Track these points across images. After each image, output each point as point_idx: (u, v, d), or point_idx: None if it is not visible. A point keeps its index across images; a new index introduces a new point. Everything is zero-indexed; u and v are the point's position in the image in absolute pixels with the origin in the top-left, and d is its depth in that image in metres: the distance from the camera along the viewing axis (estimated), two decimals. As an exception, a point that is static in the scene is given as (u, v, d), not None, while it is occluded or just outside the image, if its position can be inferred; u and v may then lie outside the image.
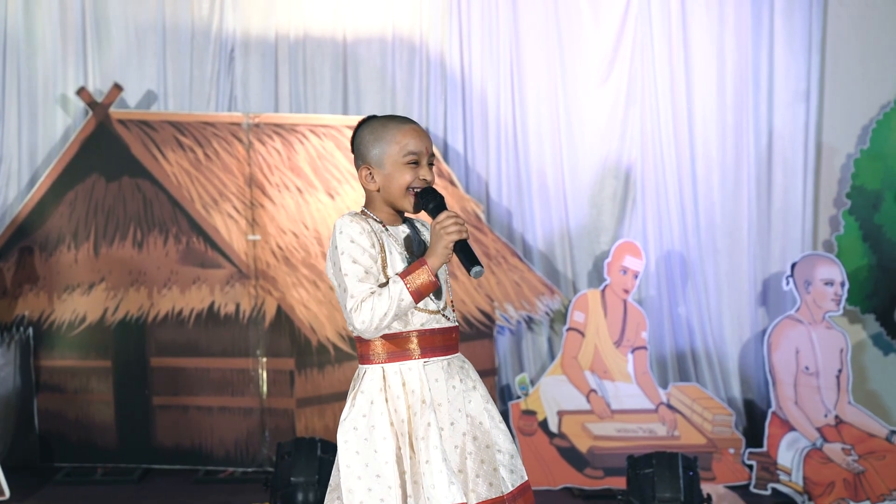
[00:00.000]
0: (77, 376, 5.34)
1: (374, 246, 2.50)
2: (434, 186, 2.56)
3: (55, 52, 5.50)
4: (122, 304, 5.27)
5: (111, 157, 5.28)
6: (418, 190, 2.53)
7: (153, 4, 5.48)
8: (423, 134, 2.58)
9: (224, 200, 5.26)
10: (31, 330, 5.30)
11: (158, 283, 5.26)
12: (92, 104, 5.30)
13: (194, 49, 5.52)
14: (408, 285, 2.43)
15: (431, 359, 2.53)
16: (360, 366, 2.57)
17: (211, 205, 5.25)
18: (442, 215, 2.45)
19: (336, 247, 2.50)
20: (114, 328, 5.28)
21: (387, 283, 2.47)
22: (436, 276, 2.45)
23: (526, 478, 2.59)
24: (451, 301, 2.63)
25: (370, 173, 2.57)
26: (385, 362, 2.52)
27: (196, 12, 5.50)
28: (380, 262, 2.50)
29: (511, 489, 2.54)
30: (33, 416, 5.33)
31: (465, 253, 2.43)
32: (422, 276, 2.43)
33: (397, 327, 2.51)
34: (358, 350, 2.58)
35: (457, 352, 2.60)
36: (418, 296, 2.44)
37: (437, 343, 2.54)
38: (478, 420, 2.55)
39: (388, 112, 5.51)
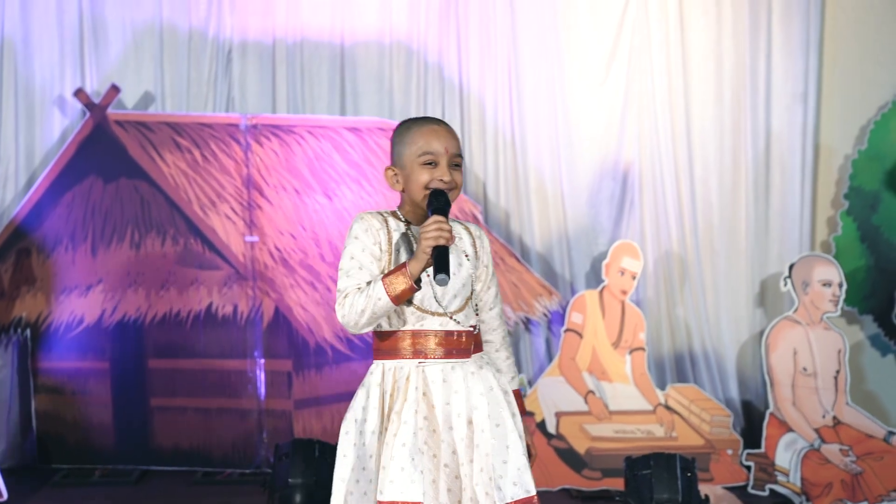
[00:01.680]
0: (75, 378, 5.33)
1: (377, 244, 2.52)
2: (445, 189, 2.54)
3: (52, 54, 5.50)
4: (120, 305, 5.27)
5: (109, 159, 5.28)
6: (432, 190, 2.54)
7: (150, 6, 5.48)
8: (445, 135, 2.56)
9: (222, 202, 5.26)
10: (28, 331, 5.30)
11: (156, 284, 5.26)
12: (89, 105, 5.30)
13: (192, 51, 5.52)
14: (386, 287, 2.43)
15: (428, 360, 2.53)
16: (373, 360, 2.62)
17: (208, 206, 5.25)
18: (429, 220, 2.44)
19: (345, 242, 2.57)
20: (111, 329, 5.28)
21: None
22: (417, 280, 2.43)
23: (531, 493, 2.51)
24: (474, 305, 2.61)
25: (395, 174, 2.60)
26: (385, 358, 2.56)
27: (193, 14, 5.50)
28: (385, 260, 2.53)
29: (508, 501, 2.48)
30: (31, 417, 5.33)
31: (437, 259, 2.41)
32: (399, 280, 2.43)
33: (396, 325, 2.54)
34: (372, 345, 2.63)
35: (467, 356, 2.57)
36: (396, 299, 2.44)
37: (436, 345, 2.53)
38: (480, 427, 2.52)
39: (386, 113, 5.52)
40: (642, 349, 5.25)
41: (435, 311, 2.54)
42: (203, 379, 5.28)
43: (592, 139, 5.60)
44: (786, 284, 5.14)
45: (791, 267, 5.13)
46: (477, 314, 2.64)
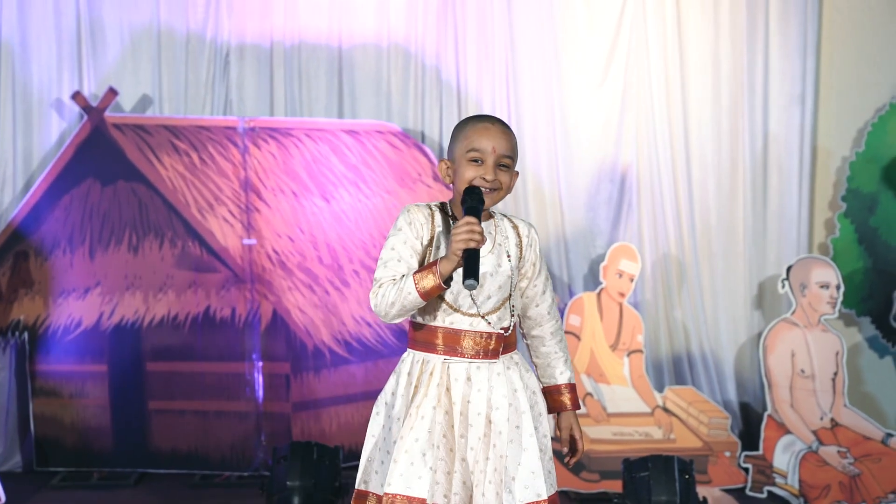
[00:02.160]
0: (73, 381, 5.32)
1: (419, 238, 2.54)
2: (489, 189, 2.53)
3: (50, 57, 5.49)
4: (118, 308, 5.27)
5: (106, 162, 5.28)
6: (467, 187, 2.53)
7: (148, 9, 5.48)
8: (496, 133, 2.56)
9: (219, 204, 5.26)
10: (26, 334, 5.29)
11: (154, 287, 5.26)
12: (87, 108, 5.30)
13: (189, 54, 5.51)
14: (416, 282, 2.44)
15: (453, 358, 2.55)
16: (407, 348, 2.66)
17: (206, 209, 5.25)
18: (461, 221, 2.42)
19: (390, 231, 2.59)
20: (109, 332, 5.27)
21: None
22: (448, 279, 2.43)
23: (542, 497, 2.54)
24: (511, 307, 2.61)
25: (447, 167, 2.61)
26: (416, 349, 2.60)
27: (191, 17, 5.50)
28: (423, 253, 2.55)
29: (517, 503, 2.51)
30: (29, 420, 5.32)
31: (466, 262, 2.40)
32: (428, 277, 2.43)
33: (427, 320, 2.57)
34: (407, 332, 2.67)
35: (495, 357, 2.57)
36: (425, 295, 2.44)
37: (464, 344, 2.55)
38: (497, 429, 2.54)
39: (384, 116, 5.52)
40: (640, 351, 5.25)
41: (467, 310, 2.56)
42: (201, 382, 5.28)
43: (590, 141, 5.61)
44: (783, 286, 5.14)
45: (789, 269, 5.14)
46: (513, 315, 2.63)
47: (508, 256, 2.61)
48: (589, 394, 5.16)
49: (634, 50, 5.57)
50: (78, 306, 5.29)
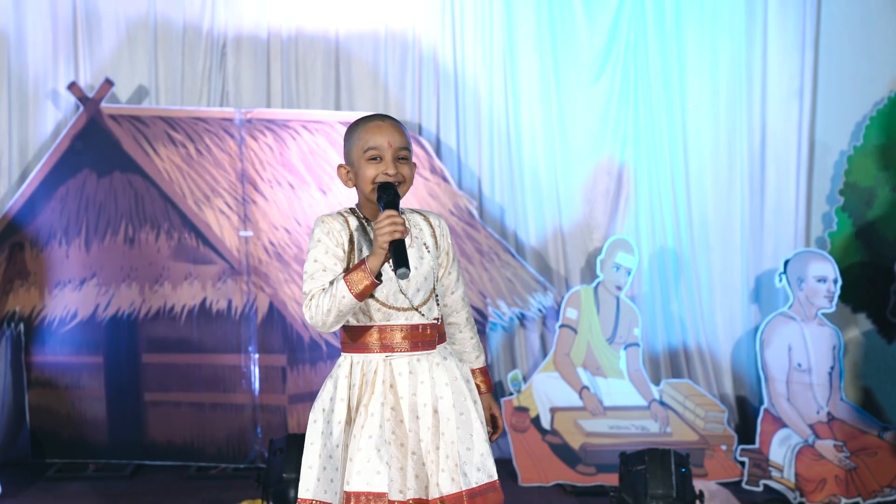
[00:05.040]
0: (68, 372, 5.32)
1: (340, 245, 2.58)
2: (393, 183, 2.57)
3: (46, 47, 5.47)
4: (114, 300, 5.26)
5: (102, 153, 5.26)
6: (378, 184, 2.58)
7: (144, 0, 5.46)
8: (388, 128, 2.61)
9: (216, 196, 5.25)
10: (22, 326, 5.28)
11: (150, 279, 5.25)
12: (83, 99, 5.28)
13: (186, 45, 5.50)
14: (348, 284, 2.47)
15: (395, 354, 2.60)
16: (341, 353, 2.69)
17: (203, 201, 5.23)
18: (381, 215, 2.48)
19: (308, 245, 2.62)
20: (105, 324, 5.26)
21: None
22: (378, 275, 2.47)
23: (494, 478, 2.62)
24: (436, 296, 2.68)
25: (347, 171, 2.66)
26: (353, 352, 2.63)
27: (188, 8, 5.48)
28: (347, 260, 2.58)
29: (473, 486, 2.58)
30: (24, 412, 5.32)
31: (395, 254, 2.45)
32: (359, 277, 2.47)
33: (363, 321, 2.60)
34: (339, 337, 2.69)
35: (431, 348, 2.64)
36: (360, 295, 2.48)
37: (403, 339, 2.60)
38: (445, 416, 2.60)
39: (381, 108, 5.50)
40: (637, 345, 5.25)
41: (400, 305, 2.60)
42: (197, 374, 5.28)
43: (588, 134, 5.60)
44: (781, 280, 5.14)
45: (786, 263, 5.13)
46: (439, 304, 2.70)
47: (427, 248, 2.68)
48: (585, 387, 5.16)
49: (633, 43, 5.56)
50: (74, 298, 5.27)
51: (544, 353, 5.47)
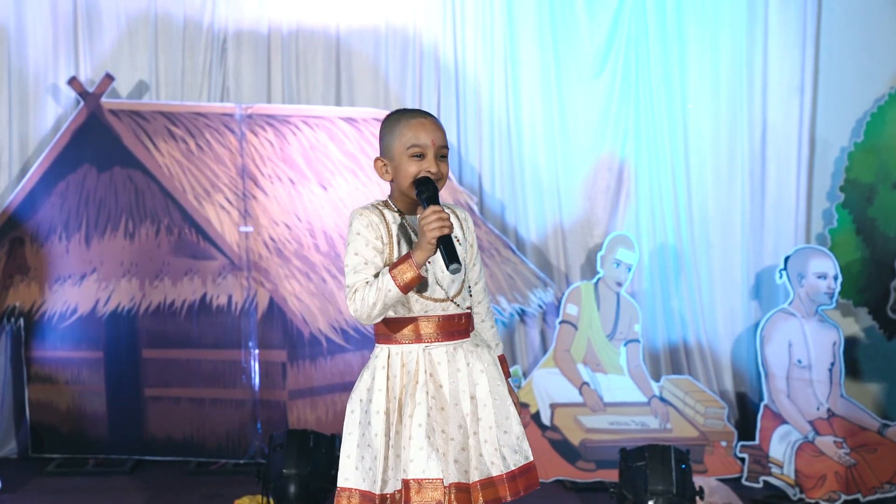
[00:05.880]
0: (68, 367, 5.32)
1: (379, 238, 2.63)
2: (433, 179, 2.61)
3: (46, 42, 5.47)
4: (114, 295, 5.25)
5: (102, 148, 5.26)
6: (418, 178, 2.62)
7: (145, -6, 5.46)
8: (431, 126, 2.66)
9: (216, 192, 5.25)
10: (22, 321, 5.28)
11: (150, 274, 5.24)
12: (83, 94, 5.27)
13: (186, 39, 5.49)
14: (394, 278, 2.53)
15: (433, 343, 2.65)
16: (375, 344, 2.73)
17: (203, 196, 5.23)
18: (427, 210, 2.53)
19: (347, 238, 2.66)
20: (105, 319, 5.26)
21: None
22: (423, 269, 2.54)
23: (530, 458, 2.70)
24: (468, 286, 2.74)
25: (384, 165, 2.71)
26: (390, 343, 2.67)
27: (188, 3, 5.47)
28: (387, 252, 2.63)
29: (511, 468, 2.65)
30: (25, 407, 5.31)
31: (444, 250, 2.51)
32: (406, 270, 2.53)
33: (401, 312, 2.65)
34: (373, 329, 2.72)
35: (466, 336, 2.70)
36: (405, 288, 2.54)
37: (440, 329, 2.65)
38: (483, 402, 2.66)
39: (381, 104, 5.50)
40: (637, 341, 5.24)
41: (437, 297, 2.65)
42: (197, 369, 5.27)
43: (588, 130, 5.59)
44: (781, 277, 5.13)
45: (786, 259, 5.13)
46: (470, 294, 2.76)
47: (458, 241, 2.72)
48: (586, 383, 5.16)
49: (634, 39, 5.55)
50: (74, 293, 5.27)
51: (544, 349, 5.47)
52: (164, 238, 5.24)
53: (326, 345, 5.20)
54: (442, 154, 2.66)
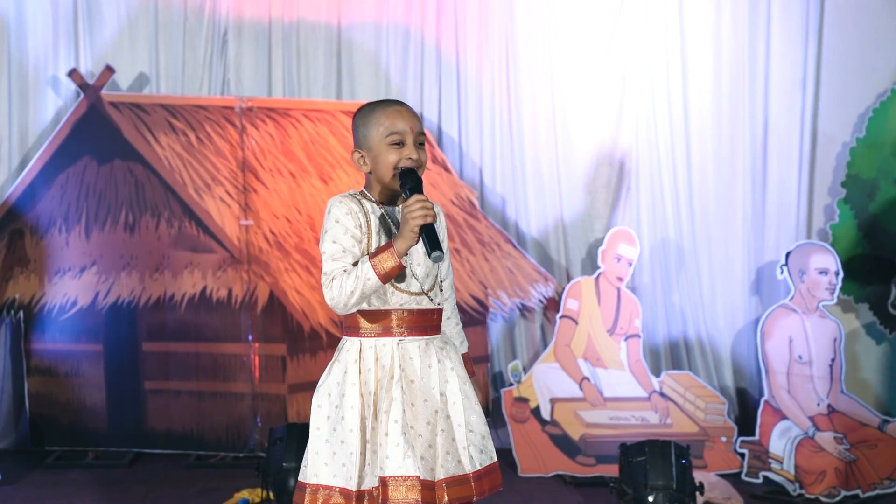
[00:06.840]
0: (68, 360, 5.31)
1: (359, 227, 2.58)
2: (414, 168, 2.59)
3: (46, 33, 5.46)
4: (114, 287, 5.25)
5: (103, 140, 5.25)
6: (401, 169, 2.58)
7: (146, -14, 5.45)
8: (408, 114, 2.63)
9: (216, 185, 5.24)
10: (21, 313, 5.28)
11: (150, 267, 5.24)
12: (83, 86, 5.26)
13: (187, 32, 5.48)
14: (374, 266, 2.49)
15: (407, 338, 2.61)
16: (343, 336, 2.67)
17: (203, 189, 5.22)
18: (411, 199, 2.50)
19: (324, 226, 2.61)
20: (105, 312, 5.26)
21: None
22: (403, 258, 2.50)
23: (494, 459, 2.67)
24: (441, 282, 2.70)
25: (361, 156, 2.66)
26: (363, 336, 2.61)
27: (189, -6, 5.46)
28: (365, 242, 2.58)
29: (478, 468, 2.62)
30: (24, 399, 5.31)
31: (427, 238, 2.48)
32: (387, 259, 2.49)
33: (376, 304, 2.60)
34: (343, 321, 2.66)
35: (437, 332, 2.68)
36: (385, 277, 2.50)
37: (414, 323, 2.61)
38: (452, 400, 2.63)
39: (382, 96, 5.48)
40: (638, 336, 5.24)
41: (413, 290, 2.62)
42: (197, 362, 5.27)
43: (589, 125, 5.58)
44: (782, 272, 5.12)
45: (787, 255, 5.12)
46: (441, 290, 2.71)
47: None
48: (586, 378, 5.16)
49: (635, 33, 5.54)
50: (73, 285, 5.27)
51: (545, 344, 5.46)
52: (164, 231, 5.23)
53: (326, 338, 5.19)
54: (420, 141, 2.63)
